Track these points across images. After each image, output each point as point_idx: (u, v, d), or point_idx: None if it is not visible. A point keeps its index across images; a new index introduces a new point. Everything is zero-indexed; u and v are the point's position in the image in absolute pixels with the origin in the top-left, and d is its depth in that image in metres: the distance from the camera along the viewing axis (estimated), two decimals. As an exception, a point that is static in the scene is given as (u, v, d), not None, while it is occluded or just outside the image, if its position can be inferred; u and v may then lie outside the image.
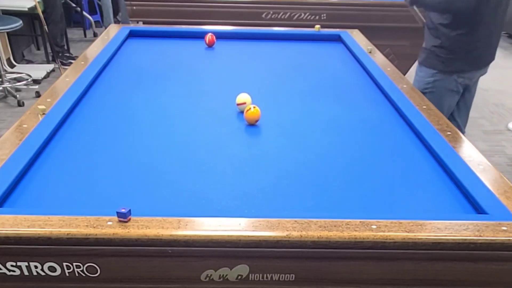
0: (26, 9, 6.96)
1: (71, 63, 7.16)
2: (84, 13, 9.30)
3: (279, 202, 1.98)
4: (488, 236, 1.68)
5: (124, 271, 1.71)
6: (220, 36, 4.19)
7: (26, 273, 1.68)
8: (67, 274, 1.69)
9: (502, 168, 5.15)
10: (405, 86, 3.11)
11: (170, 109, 2.83)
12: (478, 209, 1.90)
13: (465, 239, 1.67)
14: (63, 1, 8.09)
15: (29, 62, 7.87)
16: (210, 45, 4.02)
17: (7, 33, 6.98)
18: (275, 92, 3.15)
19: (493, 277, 1.73)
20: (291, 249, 1.67)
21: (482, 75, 4.07)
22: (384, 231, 1.68)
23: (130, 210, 1.68)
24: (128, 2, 5.49)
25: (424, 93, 3.48)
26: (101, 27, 9.32)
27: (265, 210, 1.89)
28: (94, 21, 9.46)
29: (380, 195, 2.06)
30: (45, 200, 1.94)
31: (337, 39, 4.30)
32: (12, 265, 1.67)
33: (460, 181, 2.07)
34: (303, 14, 5.60)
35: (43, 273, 1.69)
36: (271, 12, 5.58)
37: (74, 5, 9.06)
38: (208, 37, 4.01)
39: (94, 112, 2.73)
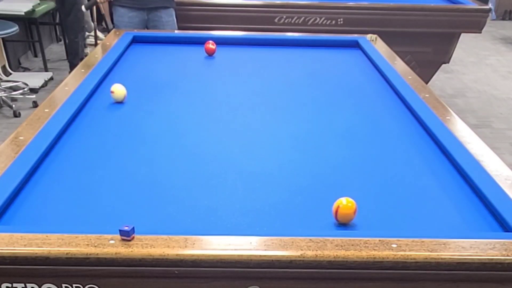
0: (23, 13, 7.01)
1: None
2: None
3: (292, 219, 1.98)
4: (517, 256, 1.68)
5: (127, 293, 1.71)
6: (230, 42, 4.21)
7: (22, 295, 1.70)
8: (66, 296, 1.70)
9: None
10: (427, 95, 3.11)
11: (176, 120, 2.84)
12: (505, 227, 1.90)
13: (492, 259, 1.66)
14: None
15: (25, 69, 7.90)
16: (210, 54, 3.99)
17: (2, 39, 7.01)
18: (289, 102, 3.16)
19: (522, 300, 1.73)
20: (305, 270, 1.67)
21: None
22: (405, 251, 1.68)
23: (133, 228, 1.69)
24: None
25: None
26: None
27: (278, 228, 1.90)
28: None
29: (400, 212, 2.05)
30: (43, 217, 1.94)
31: (355, 45, 4.31)
32: (7, 287, 1.68)
33: (486, 197, 2.07)
34: (318, 19, 5.61)
35: (40, 295, 1.70)
36: (285, 17, 5.59)
37: None
38: (209, 45, 3.98)
39: (96, 123, 2.75)
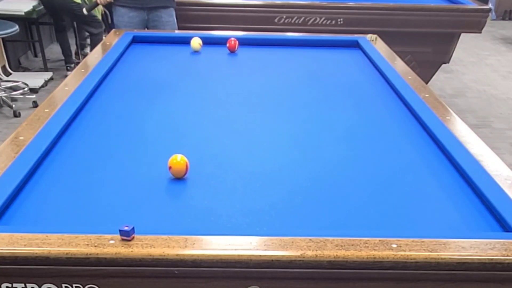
0: (23, 13, 7.00)
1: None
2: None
3: (292, 219, 1.98)
4: (517, 256, 1.68)
5: (127, 293, 1.71)
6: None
7: (22, 295, 1.69)
8: (66, 296, 1.70)
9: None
10: (427, 95, 3.11)
11: (176, 120, 2.84)
12: (505, 227, 1.90)
13: (492, 259, 1.66)
14: None
15: (25, 69, 7.89)
16: (232, 51, 4.03)
17: (2, 39, 6.99)
18: (289, 102, 3.16)
19: (522, 300, 1.73)
20: (305, 270, 1.67)
21: None
22: (405, 251, 1.68)
23: (133, 228, 1.69)
24: None
25: None
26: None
27: (278, 228, 1.89)
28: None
29: (400, 211, 2.05)
30: (43, 217, 1.94)
31: (355, 45, 4.31)
32: (7, 287, 1.68)
33: (486, 197, 2.07)
34: (318, 19, 5.61)
35: (40, 295, 1.70)
36: (285, 17, 5.59)
37: None
38: (231, 42, 4.03)
39: (96, 123, 2.74)
